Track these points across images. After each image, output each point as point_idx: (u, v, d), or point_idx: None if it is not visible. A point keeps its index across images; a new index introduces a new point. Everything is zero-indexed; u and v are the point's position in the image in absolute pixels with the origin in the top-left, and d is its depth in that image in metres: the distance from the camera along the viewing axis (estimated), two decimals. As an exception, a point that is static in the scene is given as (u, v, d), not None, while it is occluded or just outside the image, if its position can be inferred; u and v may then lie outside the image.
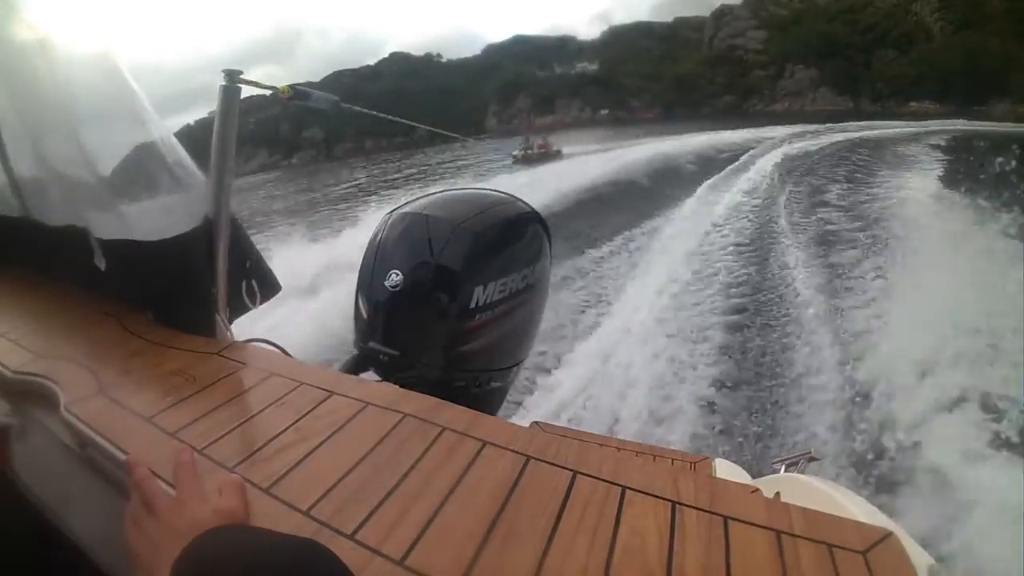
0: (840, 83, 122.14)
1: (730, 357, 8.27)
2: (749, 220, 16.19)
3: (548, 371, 7.77)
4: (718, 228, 15.55)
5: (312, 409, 0.91)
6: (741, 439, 6.49)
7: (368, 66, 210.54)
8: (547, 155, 32.90)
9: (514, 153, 33.84)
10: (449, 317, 1.23)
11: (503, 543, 0.64)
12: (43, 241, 1.44)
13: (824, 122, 47.19)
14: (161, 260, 1.16)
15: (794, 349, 8.33)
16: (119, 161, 1.20)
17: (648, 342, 8.80)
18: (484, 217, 1.28)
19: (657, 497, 0.71)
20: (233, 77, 1.07)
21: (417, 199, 1.39)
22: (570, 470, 0.76)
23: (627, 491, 0.72)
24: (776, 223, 15.66)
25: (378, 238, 1.33)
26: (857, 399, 6.66)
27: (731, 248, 13.64)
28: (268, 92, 1.09)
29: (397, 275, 1.21)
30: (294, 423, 0.87)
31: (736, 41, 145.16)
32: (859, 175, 22.38)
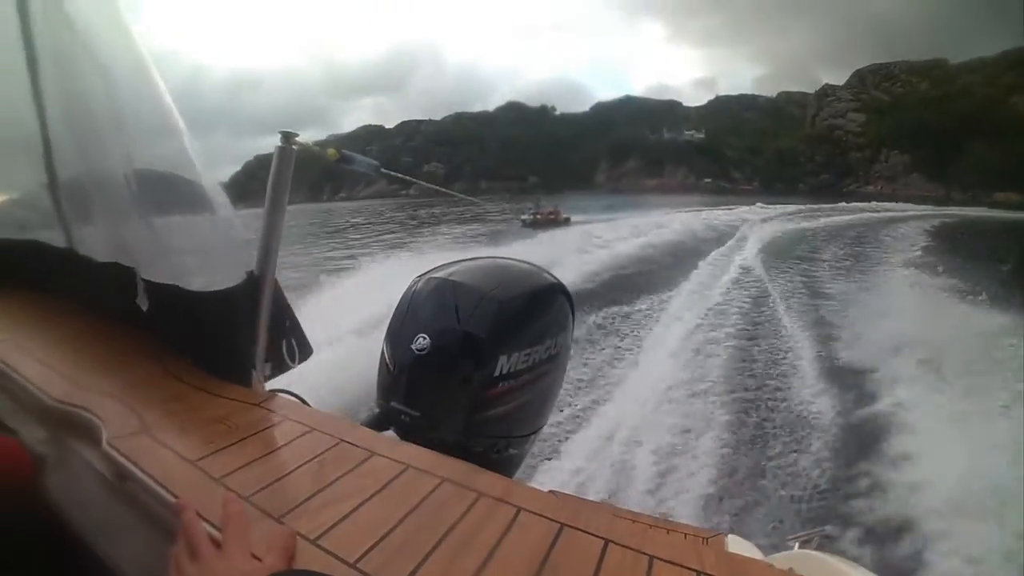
0: (931, 170, 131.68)
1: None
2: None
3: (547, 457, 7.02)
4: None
5: (355, 468, 0.95)
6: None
7: (486, 112, 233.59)
8: (555, 221, 32.66)
9: (523, 217, 32.98)
10: (473, 383, 1.23)
11: None
12: (87, 275, 1.49)
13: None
14: (205, 310, 1.21)
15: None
16: (168, 205, 1.27)
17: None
18: (511, 287, 1.32)
19: (682, 567, 0.74)
20: (289, 139, 1.10)
21: (446, 265, 1.43)
22: (602, 538, 0.79)
23: (654, 561, 0.74)
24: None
25: (407, 300, 1.34)
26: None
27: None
28: (320, 151, 1.14)
29: (424, 339, 1.22)
30: (338, 479, 0.91)
31: (836, 121, 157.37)
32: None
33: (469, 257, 1.45)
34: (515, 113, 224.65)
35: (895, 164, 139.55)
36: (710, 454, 7.28)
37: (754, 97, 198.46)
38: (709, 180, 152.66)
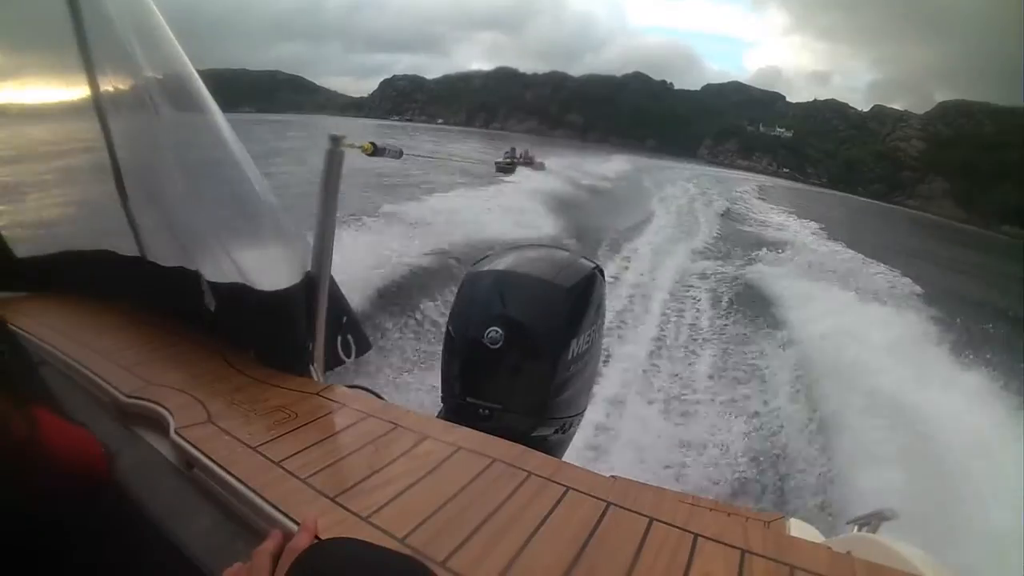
0: (962, 199, 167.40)
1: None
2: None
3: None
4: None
5: (408, 450, 0.97)
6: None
7: (614, 77, 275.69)
8: (529, 165, 29.90)
9: (497, 161, 30.11)
10: (554, 370, 1.29)
11: None
12: (156, 280, 1.56)
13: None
14: (265, 309, 1.25)
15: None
16: (227, 210, 1.31)
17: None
18: (568, 274, 1.38)
19: (727, 545, 0.74)
20: (337, 143, 1.15)
21: (492, 257, 1.50)
22: (646, 516, 0.80)
23: (699, 539, 0.75)
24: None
25: (468, 294, 1.40)
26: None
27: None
28: (359, 148, 1.17)
29: (497, 332, 1.25)
30: (391, 462, 0.93)
31: (901, 144, 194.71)
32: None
33: (506, 248, 1.57)
34: (640, 83, 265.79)
35: (935, 188, 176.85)
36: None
37: (845, 107, 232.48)
38: (787, 171, 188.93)
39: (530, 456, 0.97)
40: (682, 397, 7.03)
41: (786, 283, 11.48)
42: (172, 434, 1.00)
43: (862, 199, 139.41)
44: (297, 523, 0.76)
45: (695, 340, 8.92)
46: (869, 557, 0.77)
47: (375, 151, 1.17)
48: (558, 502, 0.83)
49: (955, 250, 46.77)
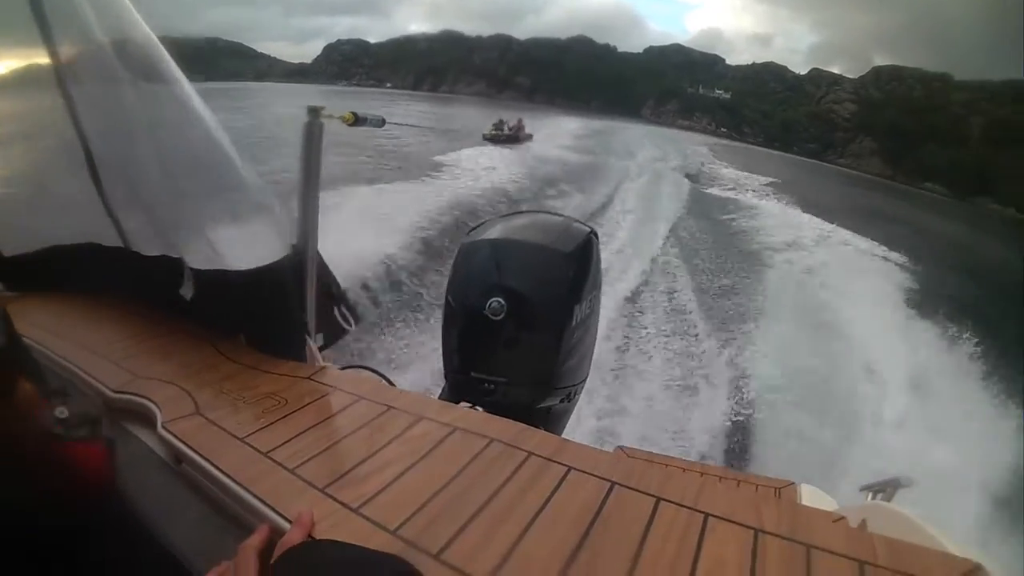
0: (889, 158, 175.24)
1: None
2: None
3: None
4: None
5: (401, 433, 0.94)
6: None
7: (559, 39, 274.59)
8: (517, 138, 29.43)
9: (484, 133, 29.17)
10: (555, 338, 1.26)
11: (586, 570, 0.65)
12: (139, 270, 1.53)
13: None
14: (252, 288, 1.22)
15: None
16: (205, 190, 1.30)
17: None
18: (566, 240, 1.34)
19: (739, 524, 0.71)
20: (316, 114, 1.11)
21: (485, 225, 1.45)
22: (654, 496, 0.77)
23: (710, 518, 0.72)
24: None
25: (464, 264, 1.35)
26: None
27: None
28: (339, 118, 1.12)
29: (499, 302, 1.21)
30: (384, 446, 0.90)
31: (834, 107, 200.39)
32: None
33: (499, 216, 1.49)
34: (584, 46, 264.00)
35: (865, 148, 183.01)
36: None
37: (783, 70, 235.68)
38: (725, 130, 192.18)
39: (530, 434, 0.94)
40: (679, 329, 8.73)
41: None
42: (160, 429, 0.97)
43: (797, 157, 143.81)
44: (285, 517, 0.74)
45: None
46: (886, 528, 0.75)
47: (356, 121, 1.13)
48: (560, 483, 0.80)
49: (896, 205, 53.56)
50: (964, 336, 9.02)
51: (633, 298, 9.71)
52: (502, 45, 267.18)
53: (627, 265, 11.31)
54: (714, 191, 25.41)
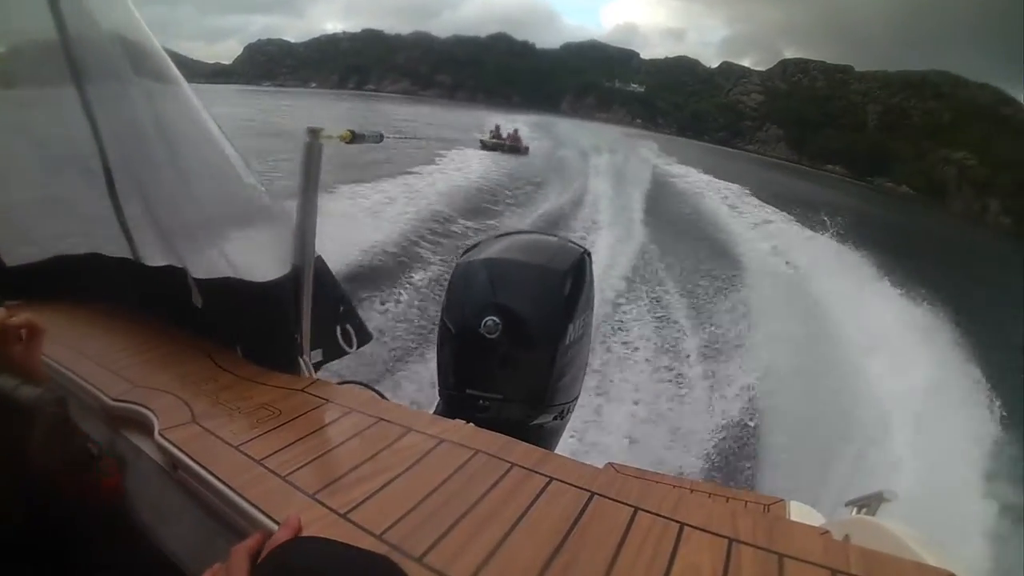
0: (794, 144, 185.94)
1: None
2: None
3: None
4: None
5: (390, 444, 0.96)
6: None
7: (479, 37, 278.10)
8: (516, 149, 28.17)
9: (482, 139, 28.19)
10: (549, 356, 1.26)
11: (564, 571, 0.67)
12: (144, 280, 1.54)
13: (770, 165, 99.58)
14: (252, 302, 1.23)
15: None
16: (215, 201, 1.29)
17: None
18: (560, 259, 1.34)
19: (713, 534, 0.72)
20: (316, 135, 1.11)
21: (480, 246, 1.44)
22: (631, 506, 0.79)
23: (685, 527, 0.74)
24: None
25: (460, 283, 1.34)
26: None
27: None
28: (337, 138, 1.10)
29: (494, 321, 1.21)
30: (373, 455, 0.92)
31: (742, 98, 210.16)
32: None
33: (493, 236, 1.49)
34: (504, 43, 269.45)
35: (771, 135, 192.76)
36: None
37: (695, 64, 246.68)
38: (640, 121, 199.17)
39: (514, 447, 0.96)
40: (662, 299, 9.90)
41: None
42: (156, 436, 0.99)
43: (709, 144, 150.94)
44: (277, 521, 0.76)
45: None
46: (867, 540, 0.77)
47: (354, 138, 1.12)
48: (540, 493, 0.82)
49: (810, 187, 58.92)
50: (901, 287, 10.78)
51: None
52: (424, 44, 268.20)
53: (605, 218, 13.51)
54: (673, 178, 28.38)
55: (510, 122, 35.98)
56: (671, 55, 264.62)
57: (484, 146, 27.74)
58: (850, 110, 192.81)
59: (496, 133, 29.53)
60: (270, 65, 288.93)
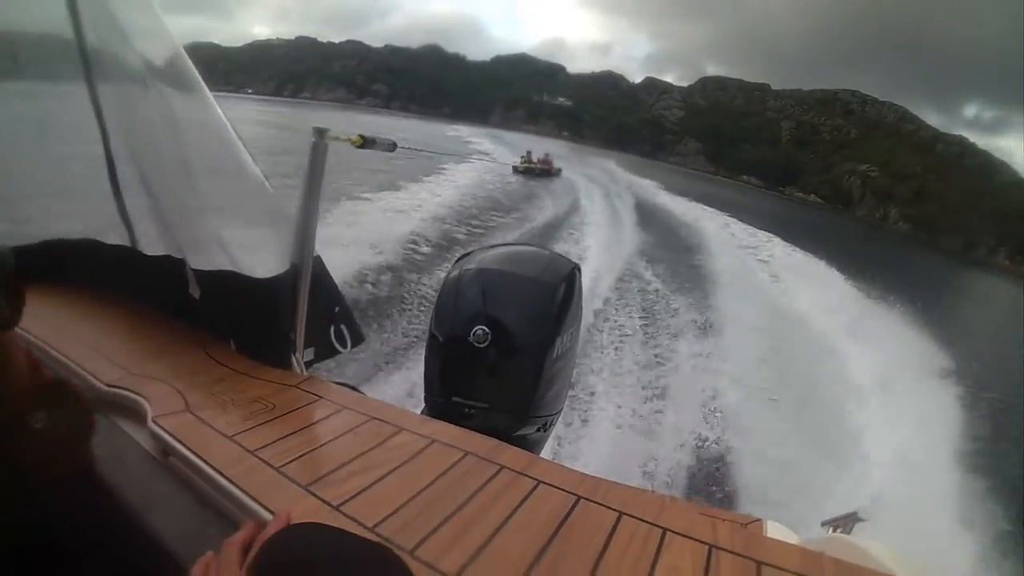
0: (712, 157, 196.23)
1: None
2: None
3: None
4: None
5: (382, 442, 0.96)
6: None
7: (412, 49, 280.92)
8: (548, 172, 29.35)
9: (514, 164, 28.23)
10: (536, 367, 1.27)
11: (549, 570, 0.68)
12: (141, 269, 1.53)
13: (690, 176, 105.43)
14: (248, 297, 1.22)
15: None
16: (219, 194, 1.27)
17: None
18: (552, 272, 1.35)
19: (695, 540, 0.74)
20: (322, 135, 1.10)
21: (473, 254, 1.46)
22: (616, 511, 0.80)
23: (667, 533, 0.76)
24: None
25: (451, 292, 1.34)
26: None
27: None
28: (347, 140, 1.10)
29: (483, 330, 1.21)
30: (365, 452, 0.93)
31: (664, 112, 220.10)
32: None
33: (485, 247, 1.52)
34: (436, 55, 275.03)
35: (691, 148, 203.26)
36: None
37: (619, 79, 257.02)
38: (567, 134, 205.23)
39: (503, 450, 0.97)
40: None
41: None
42: (149, 423, 0.98)
43: (633, 156, 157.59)
44: (270, 511, 0.76)
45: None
46: (843, 557, 0.79)
47: (364, 143, 1.11)
48: (528, 495, 0.84)
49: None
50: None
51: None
52: (359, 53, 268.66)
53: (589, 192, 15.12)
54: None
55: (473, 135, 39.63)
56: (597, 69, 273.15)
57: (516, 170, 27.81)
58: (765, 126, 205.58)
59: (528, 158, 29.96)
60: (202, 70, 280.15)
